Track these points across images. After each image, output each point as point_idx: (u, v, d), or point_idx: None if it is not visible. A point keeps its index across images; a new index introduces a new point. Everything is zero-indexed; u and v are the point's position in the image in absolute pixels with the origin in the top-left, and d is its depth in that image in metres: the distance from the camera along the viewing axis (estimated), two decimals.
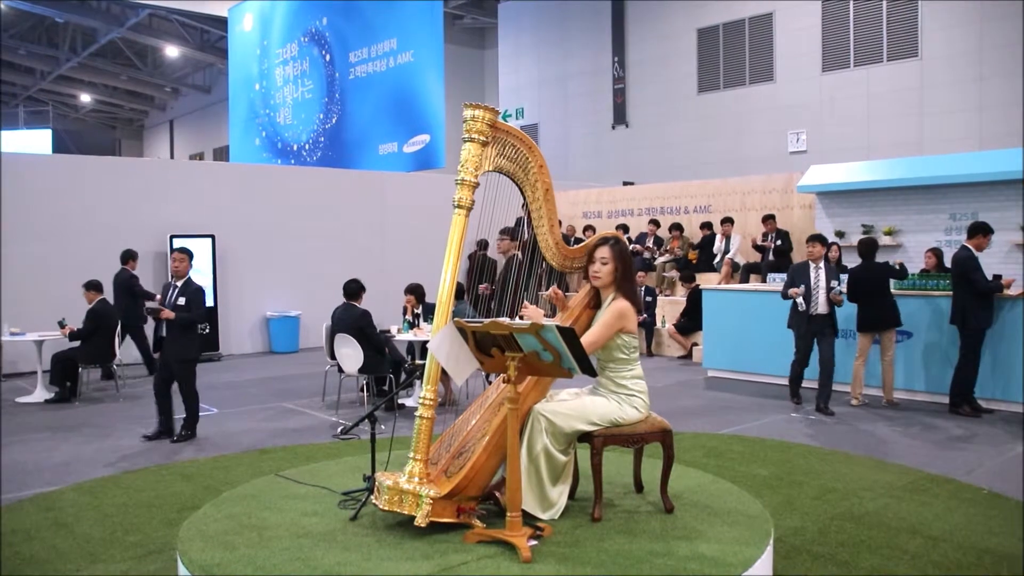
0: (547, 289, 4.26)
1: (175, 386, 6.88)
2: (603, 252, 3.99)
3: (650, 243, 13.65)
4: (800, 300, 7.70)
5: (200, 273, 12.12)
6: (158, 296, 7.47)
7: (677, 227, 13.53)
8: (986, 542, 4.21)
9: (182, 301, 6.73)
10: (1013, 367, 7.52)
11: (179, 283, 6.82)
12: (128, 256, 10.23)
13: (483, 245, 13.00)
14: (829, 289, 7.60)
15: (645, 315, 11.95)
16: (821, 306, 7.65)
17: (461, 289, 8.64)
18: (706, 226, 13.18)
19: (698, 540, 3.54)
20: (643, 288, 12.11)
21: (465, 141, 3.88)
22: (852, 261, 11.20)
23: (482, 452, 3.68)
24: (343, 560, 3.32)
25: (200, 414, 7.08)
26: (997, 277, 7.66)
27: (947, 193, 10.48)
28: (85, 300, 9.04)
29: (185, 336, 6.78)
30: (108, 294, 9.41)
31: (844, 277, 8.17)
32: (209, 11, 24.28)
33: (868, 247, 8.05)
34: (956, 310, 7.44)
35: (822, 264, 7.74)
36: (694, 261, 12.94)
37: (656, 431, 3.95)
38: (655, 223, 13.95)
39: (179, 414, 6.99)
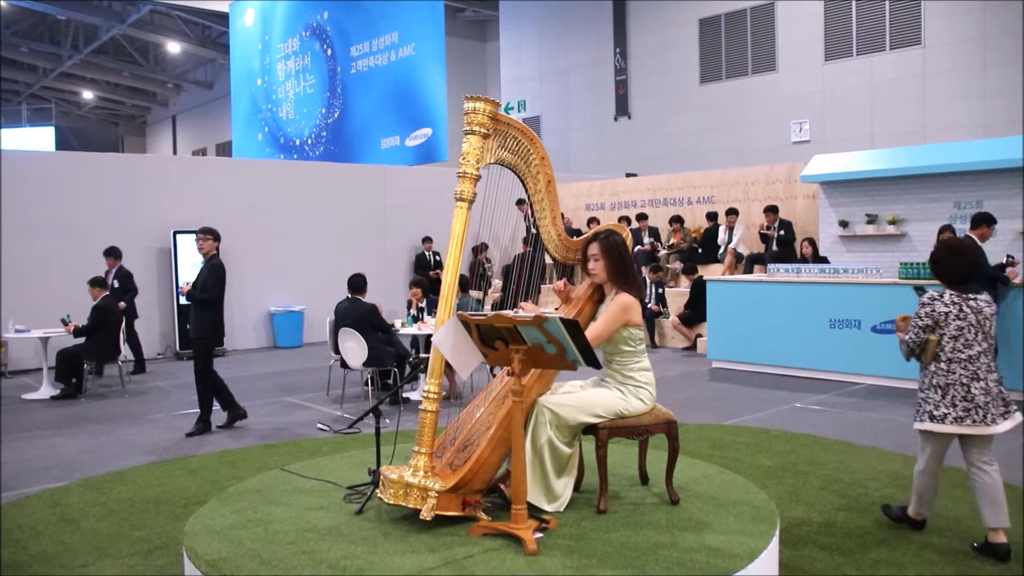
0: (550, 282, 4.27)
1: None
2: (593, 249, 3.98)
3: (646, 238, 13.44)
4: None
5: None
6: None
7: (678, 219, 13.47)
8: None
9: None
10: (1018, 356, 7.49)
11: None
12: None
13: (482, 248, 12.78)
14: None
15: (654, 304, 11.92)
16: None
17: (466, 282, 8.64)
18: (711, 216, 13.12)
19: (704, 531, 3.54)
20: (655, 283, 12.08)
21: (466, 134, 3.87)
22: (855, 251, 11.25)
23: (487, 445, 3.68)
24: (349, 553, 3.33)
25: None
26: (1002, 267, 7.61)
27: (951, 181, 10.43)
28: (90, 296, 9.06)
29: None
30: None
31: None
32: (210, 7, 24.27)
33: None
34: None
35: None
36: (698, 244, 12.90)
37: (661, 422, 3.95)
38: (643, 216, 13.85)
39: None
